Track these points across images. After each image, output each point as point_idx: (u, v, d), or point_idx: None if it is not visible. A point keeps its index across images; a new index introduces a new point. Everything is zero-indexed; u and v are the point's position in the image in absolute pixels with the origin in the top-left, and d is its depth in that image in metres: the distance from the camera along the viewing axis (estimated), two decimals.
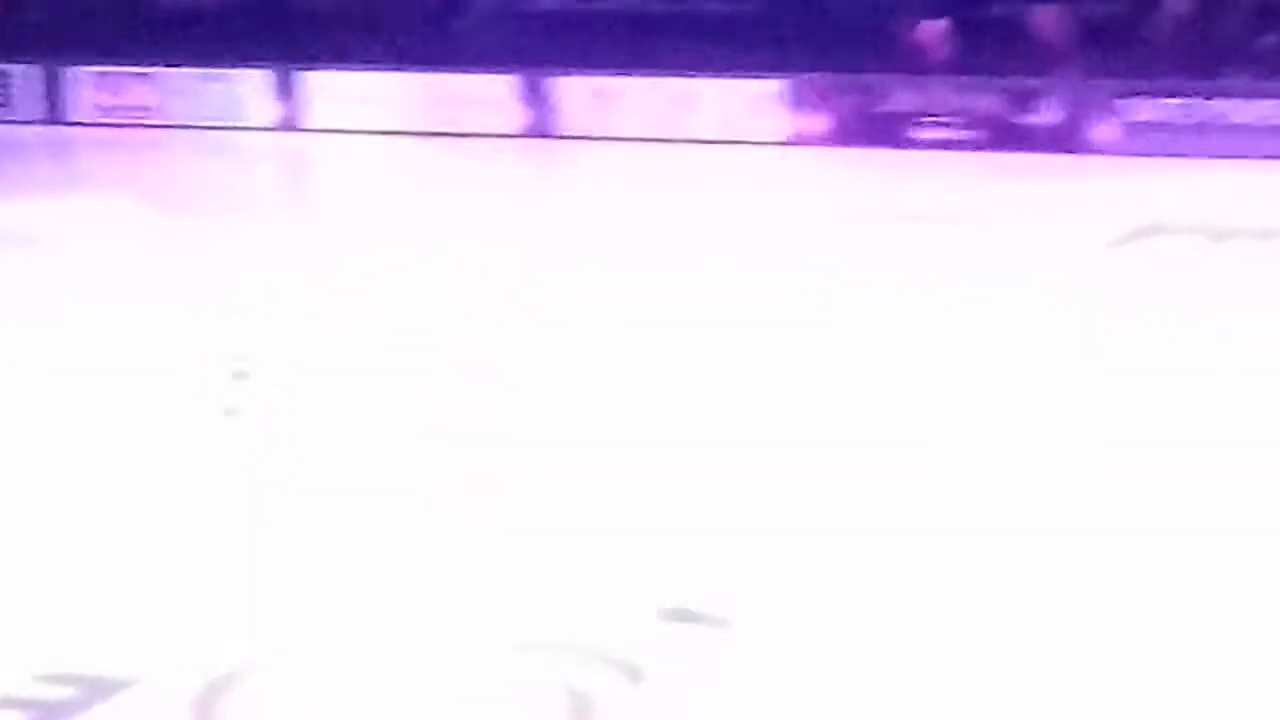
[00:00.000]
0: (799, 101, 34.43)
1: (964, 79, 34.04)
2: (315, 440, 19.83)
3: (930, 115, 33.83)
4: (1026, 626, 15.97)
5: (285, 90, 38.14)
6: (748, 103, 34.77)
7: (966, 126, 33.69)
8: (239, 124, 38.05)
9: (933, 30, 34.03)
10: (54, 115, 39.38)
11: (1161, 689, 14.74)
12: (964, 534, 16.23)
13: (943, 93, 33.89)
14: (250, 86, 38.25)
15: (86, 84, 39.17)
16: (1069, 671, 13.45)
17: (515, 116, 36.02)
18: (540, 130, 35.65)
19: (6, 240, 29.41)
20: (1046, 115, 33.41)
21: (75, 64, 39.41)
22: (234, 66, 38.14)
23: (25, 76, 39.45)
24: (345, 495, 19.38)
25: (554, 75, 35.81)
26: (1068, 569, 15.62)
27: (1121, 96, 33.10)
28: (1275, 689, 14.97)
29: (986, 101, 33.63)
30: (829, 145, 34.37)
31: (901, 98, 33.93)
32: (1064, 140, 32.97)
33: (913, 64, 34.21)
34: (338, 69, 37.48)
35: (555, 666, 13.64)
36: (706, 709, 12.92)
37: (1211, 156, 31.87)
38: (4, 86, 39.73)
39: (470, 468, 20.06)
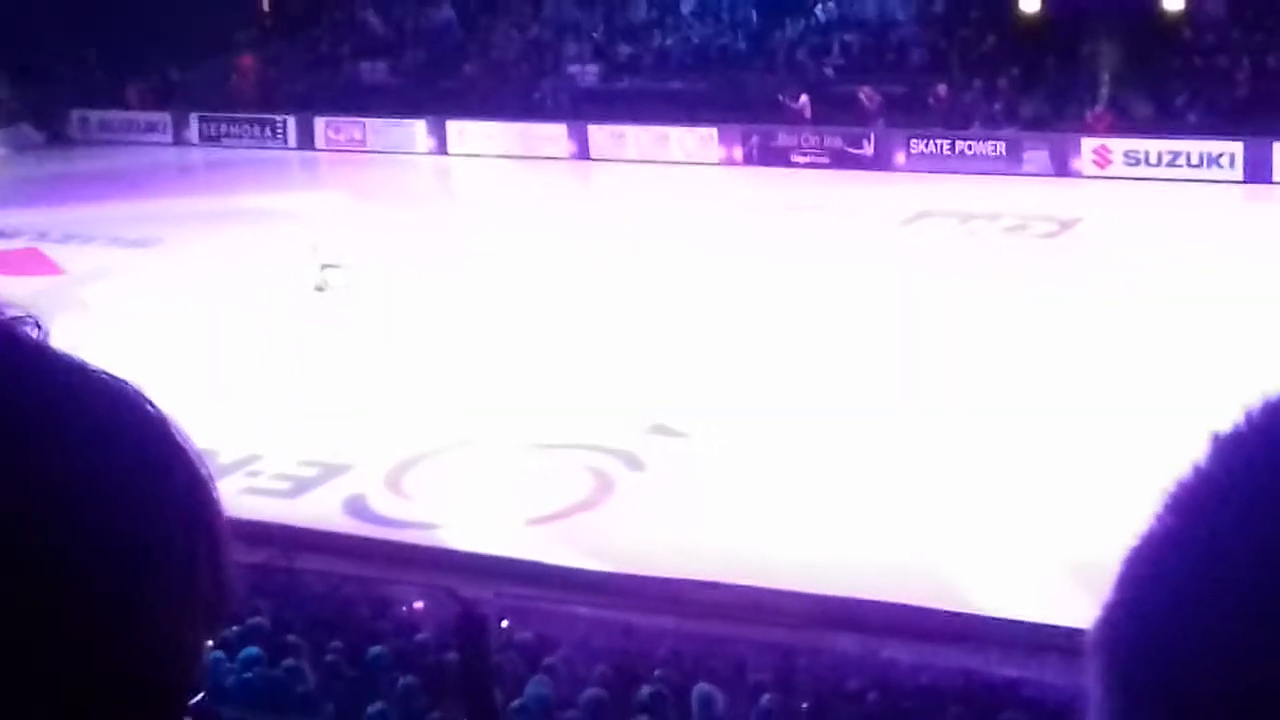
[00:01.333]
0: (725, 140, 40.08)
1: (820, 126, 39.58)
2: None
3: (801, 148, 39.34)
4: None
5: (436, 131, 43.07)
6: (697, 141, 40.23)
7: (822, 154, 39.21)
8: (410, 151, 43.14)
9: (802, 101, 39.80)
10: (306, 144, 44.34)
11: None
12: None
13: (808, 135, 39.50)
14: (417, 129, 43.31)
15: (323, 126, 44.33)
16: None
17: (566, 147, 41.58)
18: (582, 156, 41.37)
19: (275, 217, 35.39)
20: (867, 148, 39.06)
21: (318, 114, 44.45)
22: (407, 117, 43.35)
23: (288, 121, 44.72)
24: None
25: (589, 124, 41.43)
26: None
27: (909, 138, 38.93)
28: None
29: (833, 140, 39.25)
30: (743, 165, 39.66)
31: (785, 138, 39.48)
32: (877, 163, 38.73)
33: (791, 119, 39.80)
34: (466, 119, 42.61)
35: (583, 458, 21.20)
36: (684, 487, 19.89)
37: (959, 172, 37.53)
38: (278, 126, 44.69)
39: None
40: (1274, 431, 1.11)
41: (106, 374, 1.28)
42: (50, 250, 34.10)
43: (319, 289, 29.60)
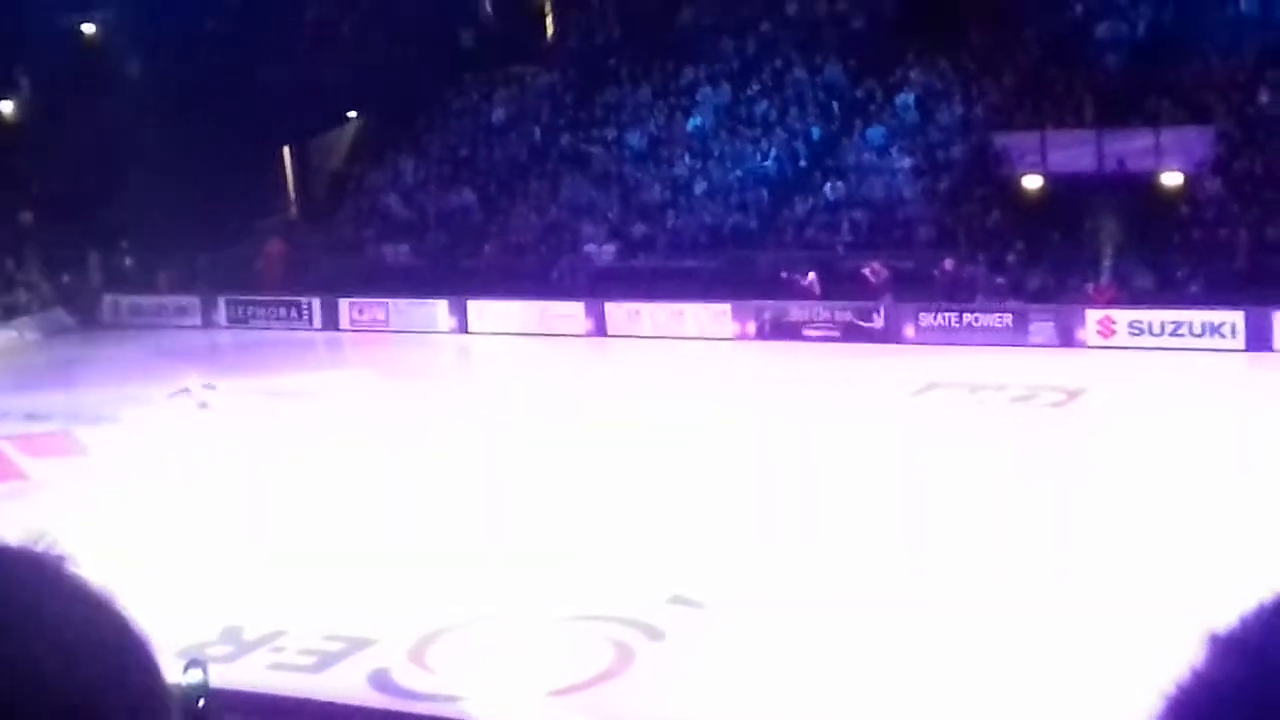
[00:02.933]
0: (739, 316, 40.09)
1: (830, 302, 39.60)
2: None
3: (812, 322, 39.44)
4: None
5: (458, 311, 43.08)
6: (711, 317, 40.30)
7: (833, 328, 39.29)
8: (432, 330, 43.31)
9: (810, 279, 39.87)
10: (330, 325, 44.45)
11: None
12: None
13: (818, 310, 39.59)
14: (438, 308, 43.44)
15: (347, 307, 44.48)
16: None
17: (584, 324, 41.61)
18: (599, 332, 41.38)
19: (300, 394, 35.83)
20: (876, 322, 39.10)
21: (343, 295, 44.28)
22: (429, 297, 43.55)
23: (313, 303, 44.51)
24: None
25: (606, 302, 41.49)
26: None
27: (918, 311, 38.91)
28: None
29: (843, 314, 39.34)
30: (756, 340, 39.64)
31: (796, 313, 39.57)
32: (887, 335, 38.75)
33: (800, 295, 39.86)
34: (486, 298, 42.73)
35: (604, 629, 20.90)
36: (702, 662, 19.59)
37: (967, 345, 37.77)
38: (304, 308, 44.77)
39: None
40: (1272, 639, 1.06)
41: (26, 550, 1.26)
42: (83, 432, 34.11)
43: (202, 405, 32.60)
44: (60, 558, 1.27)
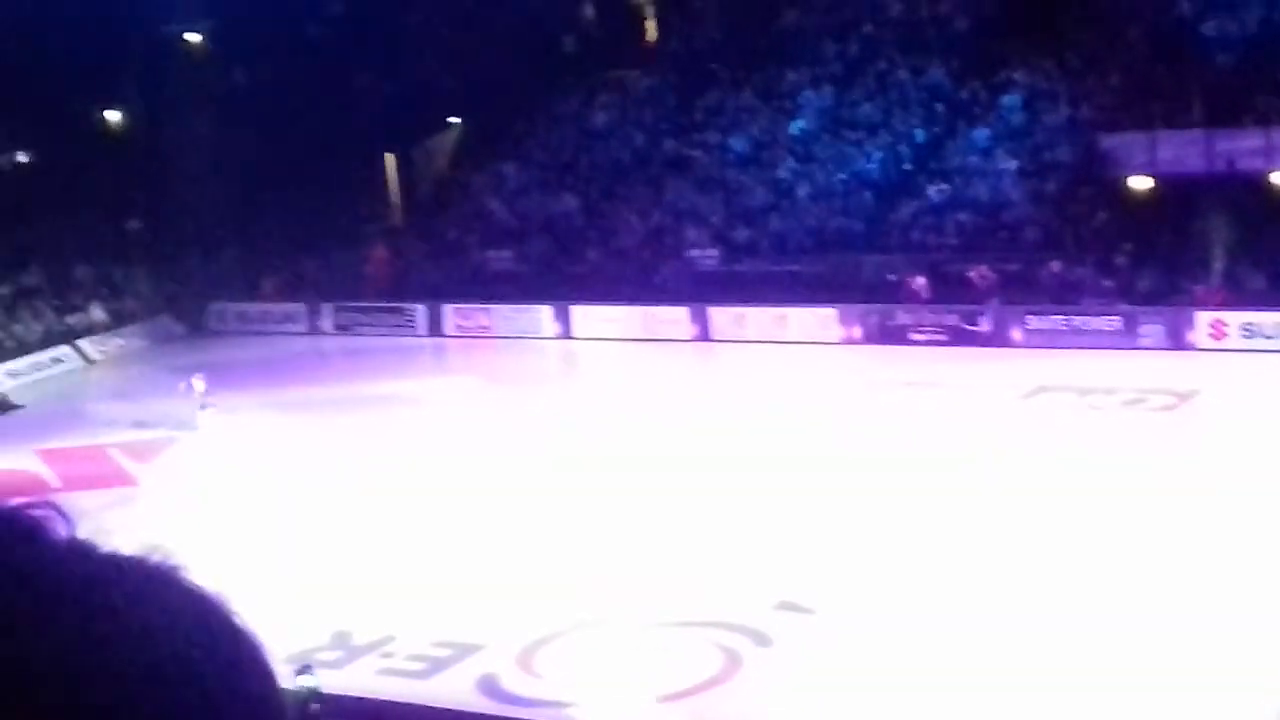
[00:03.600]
0: (844, 320, 39.84)
1: (937, 306, 39.32)
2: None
3: (919, 326, 39.14)
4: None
5: (562, 316, 43.10)
6: (816, 321, 39.94)
7: (939, 332, 38.93)
8: (536, 335, 43.23)
9: (918, 281, 39.73)
10: (435, 331, 44.52)
11: None
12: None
13: (925, 314, 39.29)
14: (543, 314, 43.39)
15: (452, 313, 44.50)
16: None
17: (688, 329, 41.50)
18: (703, 337, 41.26)
19: (408, 401, 35.96)
20: (984, 325, 38.77)
21: (447, 302, 44.63)
22: (533, 303, 43.49)
23: (418, 309, 44.99)
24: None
25: (710, 307, 41.36)
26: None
27: (1025, 315, 38.61)
28: None
29: (950, 318, 39.06)
30: (862, 344, 39.28)
31: (903, 316, 39.28)
32: (994, 339, 38.39)
33: (908, 299, 39.60)
34: (590, 304, 42.75)
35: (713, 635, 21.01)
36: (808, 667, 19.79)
37: (1075, 348, 37.19)
38: (409, 315, 44.97)
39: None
40: None
41: (142, 561, 1.27)
42: (188, 439, 34.46)
43: (204, 407, 33.21)
44: (174, 567, 1.29)
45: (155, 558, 1.28)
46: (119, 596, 1.22)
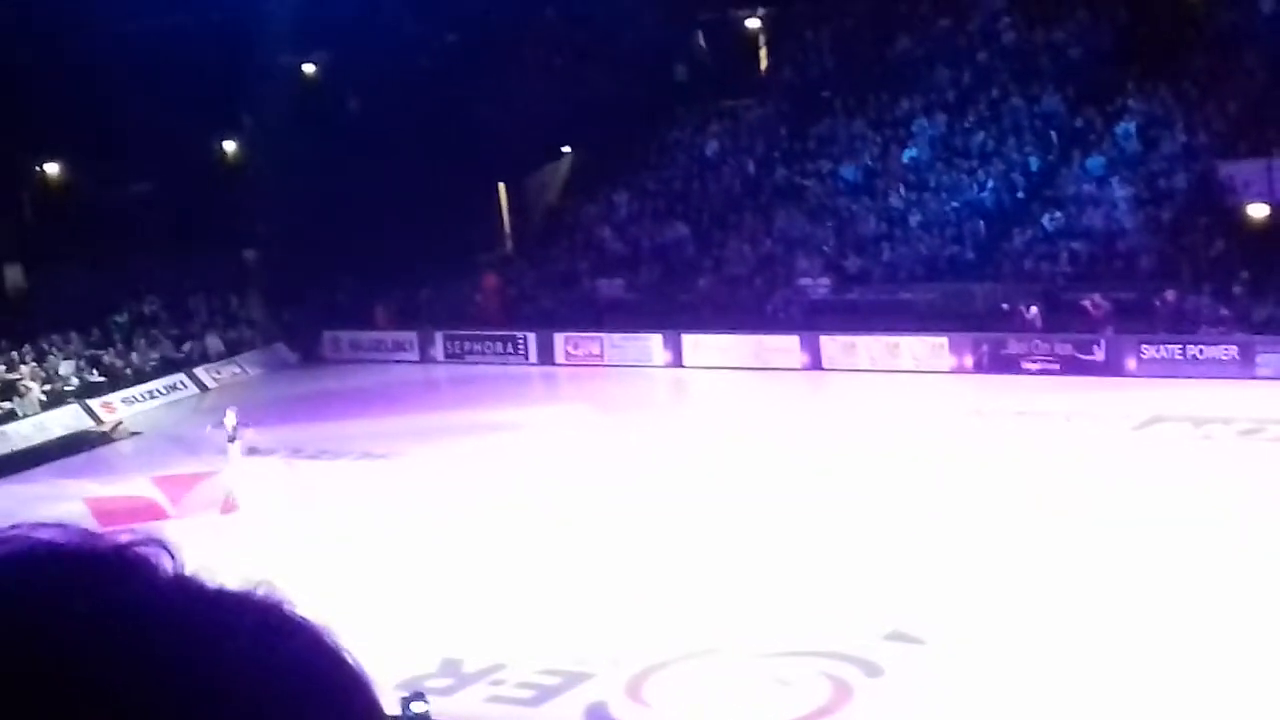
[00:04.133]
0: (956, 348, 39.64)
1: (1050, 334, 39.03)
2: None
3: (1032, 355, 38.87)
4: None
5: (672, 344, 43.09)
6: (928, 349, 39.83)
7: (1052, 361, 38.69)
8: (647, 364, 43.29)
9: (1031, 310, 39.26)
10: (546, 359, 44.60)
11: None
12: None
13: (1038, 342, 38.95)
14: (652, 342, 43.45)
15: (562, 341, 44.54)
16: None
17: (799, 358, 41.37)
18: (814, 366, 41.10)
19: (517, 428, 36.15)
20: (1097, 354, 38.41)
21: (558, 330, 44.70)
22: (643, 331, 43.62)
23: (529, 337, 44.93)
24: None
25: (821, 335, 41.17)
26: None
27: (1140, 344, 38.23)
28: None
29: (1063, 347, 38.72)
30: (974, 373, 39.08)
31: (1015, 345, 39.06)
32: (1108, 368, 38.04)
33: (1021, 327, 39.36)
34: (700, 333, 42.76)
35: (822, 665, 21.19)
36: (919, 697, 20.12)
37: (1191, 377, 36.85)
38: (519, 343, 44.92)
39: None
40: None
41: (248, 595, 1.30)
42: (301, 465, 34.85)
43: (232, 439, 32.93)
44: (280, 600, 1.30)
45: (261, 591, 1.30)
46: (225, 632, 1.25)
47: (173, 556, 1.29)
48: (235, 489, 31.53)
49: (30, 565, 1.26)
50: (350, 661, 1.29)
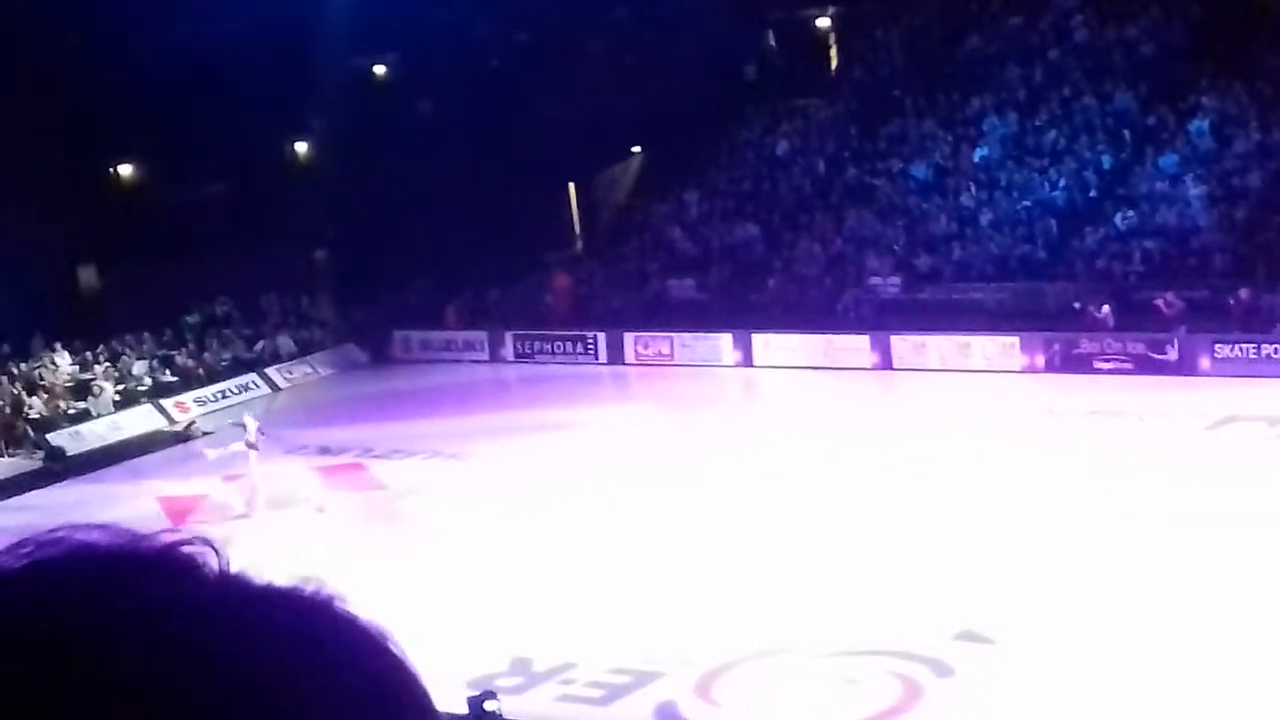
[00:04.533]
0: (1027, 348, 39.46)
1: (1122, 333, 38.80)
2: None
3: (1104, 355, 38.62)
4: None
5: (742, 344, 43.07)
6: (999, 349, 39.67)
7: (1124, 360, 38.45)
8: (716, 363, 43.31)
9: (1103, 309, 39.08)
10: (615, 359, 44.65)
11: None
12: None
13: (1110, 341, 38.71)
14: (722, 342, 43.40)
15: (632, 341, 44.56)
16: None
17: (869, 358, 41.25)
18: (885, 365, 40.97)
19: (585, 426, 36.41)
20: (1170, 353, 38.19)
21: (628, 330, 44.80)
22: (712, 331, 43.60)
23: (599, 337, 45.05)
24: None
25: (891, 335, 41.18)
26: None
27: (1214, 343, 37.99)
28: None
29: (1136, 346, 38.47)
30: (1045, 372, 38.85)
31: (1087, 344, 38.78)
32: (1181, 368, 37.91)
33: (1093, 327, 39.19)
34: (770, 332, 42.71)
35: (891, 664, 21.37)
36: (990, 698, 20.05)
37: (1266, 376, 36.44)
38: (589, 342, 45.06)
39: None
40: None
41: (296, 592, 1.30)
42: (375, 465, 35.06)
43: (252, 446, 32.20)
44: (330, 597, 1.31)
45: (310, 588, 1.30)
46: (270, 629, 1.25)
47: (219, 554, 1.30)
48: (253, 496, 31.65)
49: (72, 565, 1.27)
50: (404, 662, 1.30)
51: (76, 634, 1.21)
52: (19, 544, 1.28)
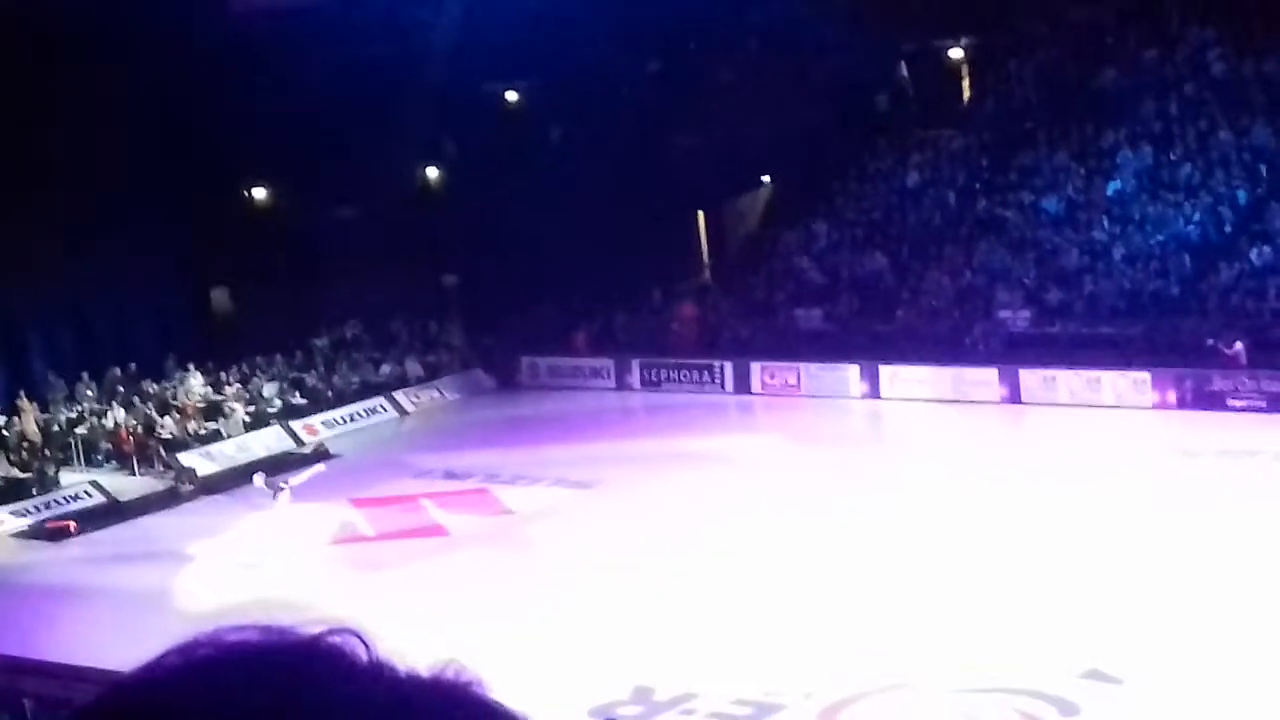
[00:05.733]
0: (1159, 384, 39.18)
1: (1257, 371, 38.48)
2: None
3: (1237, 392, 38.40)
4: None
5: (869, 375, 42.99)
6: (1130, 385, 39.32)
7: (1259, 399, 38.13)
8: (843, 395, 43.14)
9: (1237, 347, 38.84)
10: (742, 389, 44.67)
11: None
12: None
13: (1244, 379, 38.48)
14: (849, 373, 43.29)
15: (759, 371, 44.58)
16: None
17: (998, 391, 41.13)
18: (1013, 399, 40.83)
19: (712, 458, 36.17)
20: None
21: (754, 359, 44.86)
22: (839, 362, 43.51)
23: (725, 366, 45.06)
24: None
25: (1020, 369, 40.91)
26: None
27: None
28: None
29: (1270, 384, 38.12)
30: (1177, 409, 38.66)
31: (1220, 382, 38.61)
32: None
33: (1226, 364, 38.85)
34: (897, 364, 42.65)
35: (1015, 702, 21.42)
36: None
37: None
38: (715, 371, 45.01)
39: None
40: None
41: (439, 679, 1.34)
42: (500, 490, 35.23)
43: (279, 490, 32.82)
44: (470, 681, 1.35)
45: (451, 672, 1.35)
46: (420, 715, 1.30)
47: (366, 645, 1.35)
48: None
49: (221, 665, 1.32)
50: None
51: None
52: (175, 649, 1.33)
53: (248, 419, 42.35)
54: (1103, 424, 37.66)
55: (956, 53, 54.53)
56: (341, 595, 26.28)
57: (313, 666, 1.32)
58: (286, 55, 42.16)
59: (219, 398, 43.26)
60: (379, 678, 1.32)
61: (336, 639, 1.34)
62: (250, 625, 1.36)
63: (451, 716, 1.31)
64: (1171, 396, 39.32)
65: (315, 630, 1.35)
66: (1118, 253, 44.15)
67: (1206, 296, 41.86)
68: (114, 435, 40.49)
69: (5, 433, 39.87)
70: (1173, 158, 46.10)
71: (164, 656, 1.34)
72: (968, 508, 30.77)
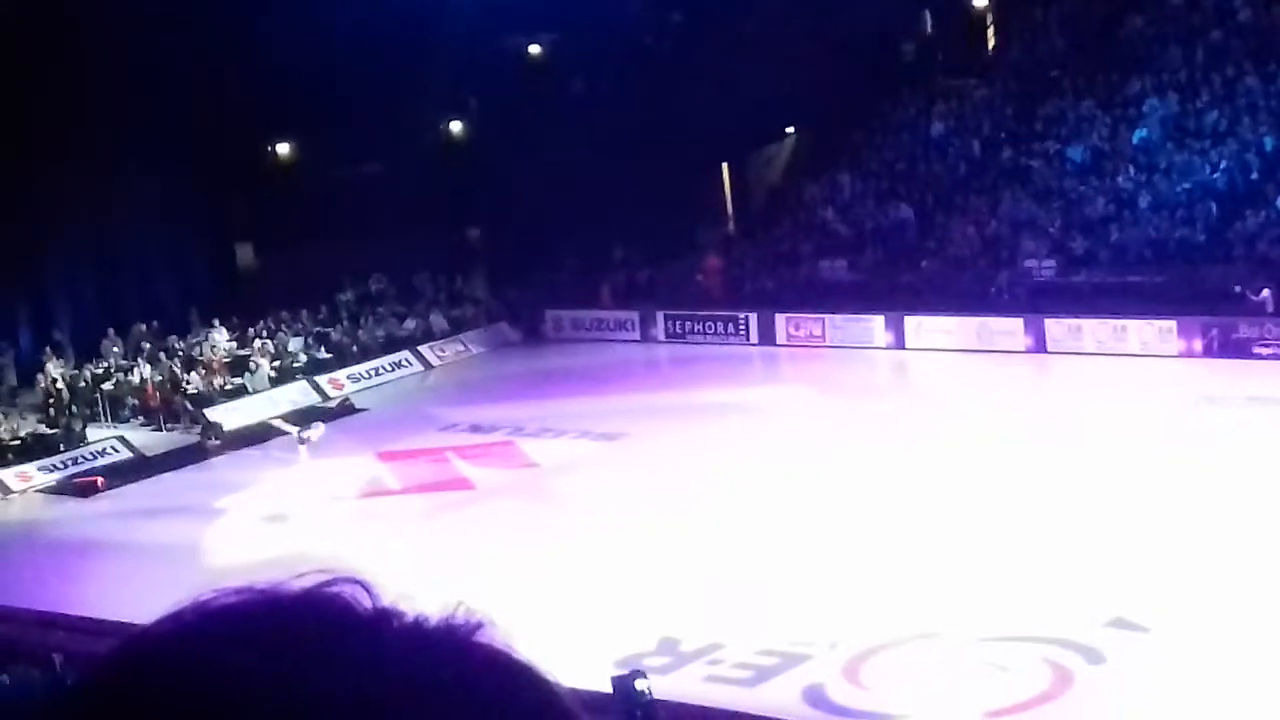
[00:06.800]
0: (1185, 332, 39.10)
1: None
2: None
3: (1263, 340, 38.14)
4: None
5: (894, 326, 43.03)
6: (1156, 333, 39.27)
7: None
8: (868, 345, 43.19)
9: (1264, 294, 38.58)
10: (767, 340, 44.54)
11: None
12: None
13: (1270, 327, 38.20)
14: (875, 324, 43.33)
15: (784, 322, 44.44)
16: None
17: (1023, 341, 41.01)
18: (1039, 349, 40.73)
19: (736, 408, 36.38)
20: None
21: (779, 311, 44.53)
22: (865, 313, 43.54)
23: (750, 318, 45.01)
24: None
25: (1046, 318, 40.82)
26: None
27: None
28: None
29: None
30: (1203, 357, 38.51)
31: (1246, 330, 38.40)
32: None
33: (1252, 311, 38.62)
34: (923, 314, 42.64)
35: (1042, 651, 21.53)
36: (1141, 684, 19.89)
37: None
38: (740, 323, 45.07)
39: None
40: None
41: (449, 625, 1.32)
42: (525, 443, 35.28)
43: (303, 441, 33.76)
44: (476, 625, 1.32)
45: (460, 615, 1.32)
46: (428, 664, 1.27)
47: (369, 591, 1.31)
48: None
49: (206, 629, 1.29)
50: (558, 693, 1.31)
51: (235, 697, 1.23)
52: (166, 616, 1.31)
53: (273, 374, 42.51)
54: (1128, 372, 37.54)
55: (981, 1, 54.14)
56: (368, 548, 26.30)
57: (303, 622, 1.28)
58: (310, 11, 42.10)
59: (244, 353, 43.34)
60: (383, 624, 1.29)
61: (334, 589, 1.30)
62: (246, 586, 1.32)
63: (449, 658, 1.28)
64: (1197, 344, 39.18)
65: (312, 581, 1.31)
66: (1144, 201, 43.90)
67: (1233, 244, 41.62)
68: (140, 391, 40.73)
69: (34, 389, 39.84)
70: (1199, 105, 45.76)
71: (159, 623, 1.31)
72: (993, 457, 30.67)
